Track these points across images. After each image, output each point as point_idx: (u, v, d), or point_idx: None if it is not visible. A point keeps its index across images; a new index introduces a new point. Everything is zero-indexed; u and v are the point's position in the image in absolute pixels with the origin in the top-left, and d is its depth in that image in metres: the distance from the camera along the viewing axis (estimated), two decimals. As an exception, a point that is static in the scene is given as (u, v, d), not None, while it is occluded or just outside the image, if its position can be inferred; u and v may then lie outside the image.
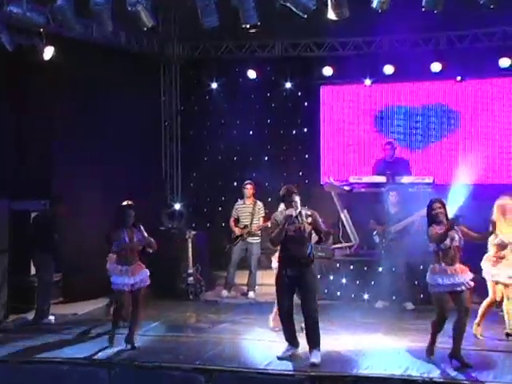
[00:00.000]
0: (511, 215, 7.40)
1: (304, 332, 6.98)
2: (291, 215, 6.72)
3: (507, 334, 7.44)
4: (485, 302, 7.54)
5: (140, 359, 6.91)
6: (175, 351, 7.19)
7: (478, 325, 7.53)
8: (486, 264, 7.46)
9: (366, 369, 6.53)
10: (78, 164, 9.99)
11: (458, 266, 6.67)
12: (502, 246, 7.38)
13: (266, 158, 12.04)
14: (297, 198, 6.80)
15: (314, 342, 6.83)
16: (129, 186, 10.20)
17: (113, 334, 7.43)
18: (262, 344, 7.44)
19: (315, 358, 6.70)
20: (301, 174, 11.94)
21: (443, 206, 6.79)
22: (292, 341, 6.99)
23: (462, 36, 10.82)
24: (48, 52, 8.96)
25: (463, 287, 6.60)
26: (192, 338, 7.78)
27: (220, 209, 12.02)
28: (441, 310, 6.70)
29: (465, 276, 6.65)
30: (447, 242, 6.63)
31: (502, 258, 7.38)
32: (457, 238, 6.72)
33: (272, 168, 11.66)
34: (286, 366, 6.67)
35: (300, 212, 6.83)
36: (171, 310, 9.06)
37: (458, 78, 11.02)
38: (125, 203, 8.22)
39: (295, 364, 6.74)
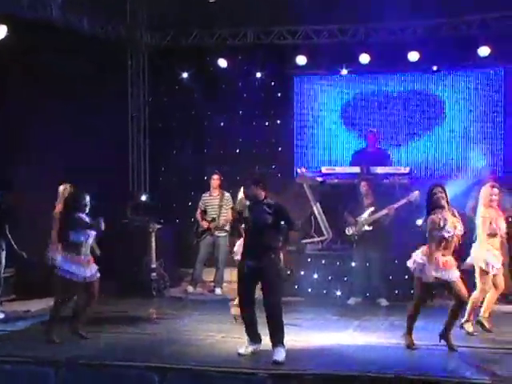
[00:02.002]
0: (495, 204, 7.10)
1: None
2: (248, 204, 6.40)
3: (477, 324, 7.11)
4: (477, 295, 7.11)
5: (91, 357, 6.39)
6: (131, 349, 6.70)
7: (468, 321, 7.11)
8: (481, 253, 7.05)
9: (334, 367, 6.05)
10: (35, 152, 9.47)
11: (449, 258, 6.36)
12: (492, 235, 7.09)
13: (238, 151, 11.59)
14: (254, 188, 6.42)
15: (276, 338, 6.38)
16: (91, 178, 9.68)
17: (51, 329, 6.91)
18: (225, 341, 6.96)
19: (278, 356, 6.24)
20: (274, 167, 11.49)
21: (444, 190, 6.44)
22: (253, 337, 6.52)
23: (440, 24, 10.44)
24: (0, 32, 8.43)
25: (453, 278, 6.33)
26: (150, 336, 7.27)
27: (190, 204, 11.47)
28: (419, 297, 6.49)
29: (452, 271, 6.35)
30: (451, 230, 6.24)
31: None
32: (459, 227, 6.37)
33: (244, 161, 11.28)
34: (247, 364, 6.19)
35: (262, 201, 6.45)
36: (132, 306, 8.56)
37: (434, 68, 10.64)
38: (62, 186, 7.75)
39: (257, 361, 6.26)
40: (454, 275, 6.37)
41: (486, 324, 7.09)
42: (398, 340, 6.74)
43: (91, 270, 6.95)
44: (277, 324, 6.45)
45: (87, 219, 6.96)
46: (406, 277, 8.68)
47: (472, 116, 10.68)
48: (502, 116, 10.53)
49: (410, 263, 6.62)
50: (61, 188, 7.99)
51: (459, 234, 6.36)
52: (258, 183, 6.50)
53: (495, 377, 5.66)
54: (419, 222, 9.12)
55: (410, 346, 6.48)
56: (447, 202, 6.40)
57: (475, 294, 7.05)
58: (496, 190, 7.13)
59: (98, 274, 7.02)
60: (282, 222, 6.49)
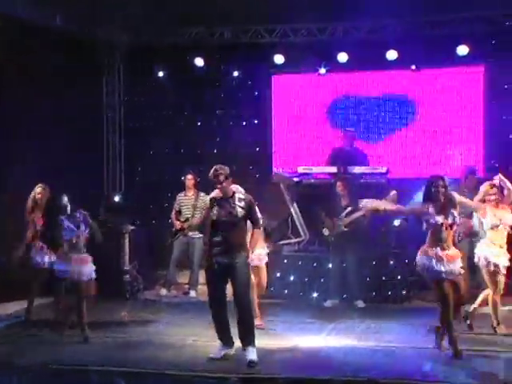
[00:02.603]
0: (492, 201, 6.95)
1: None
2: (215, 197, 6.20)
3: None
4: (488, 296, 6.95)
5: (58, 362, 6.19)
6: (100, 353, 6.51)
7: (498, 323, 6.95)
8: (489, 250, 6.87)
9: (307, 370, 5.90)
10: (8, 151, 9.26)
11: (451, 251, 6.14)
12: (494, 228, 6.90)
13: (215, 151, 11.42)
14: (223, 178, 6.20)
15: (248, 339, 6.23)
16: (65, 178, 9.47)
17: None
18: (196, 345, 6.78)
19: (253, 356, 6.11)
20: (251, 167, 11.33)
21: (445, 186, 6.24)
22: (226, 340, 6.34)
23: (419, 23, 10.32)
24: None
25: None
26: (121, 339, 7.06)
27: (166, 204, 11.27)
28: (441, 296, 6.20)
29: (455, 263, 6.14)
30: (439, 218, 6.05)
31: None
32: (454, 214, 6.15)
33: (221, 161, 11.03)
34: (218, 368, 6.01)
35: (233, 195, 6.27)
36: (104, 310, 8.31)
37: (413, 67, 10.52)
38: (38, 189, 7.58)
39: (229, 365, 6.10)
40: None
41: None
42: (374, 343, 6.63)
43: (80, 270, 6.86)
44: (250, 325, 6.32)
45: (68, 221, 6.89)
46: (384, 278, 8.65)
47: (451, 115, 10.55)
48: (481, 115, 10.43)
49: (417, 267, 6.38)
50: (36, 190, 7.80)
51: (450, 222, 6.10)
52: (228, 177, 6.31)
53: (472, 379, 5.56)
54: (397, 222, 9.07)
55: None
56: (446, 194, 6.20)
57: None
58: (495, 190, 6.94)
59: (92, 275, 6.96)
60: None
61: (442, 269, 6.10)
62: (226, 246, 6.19)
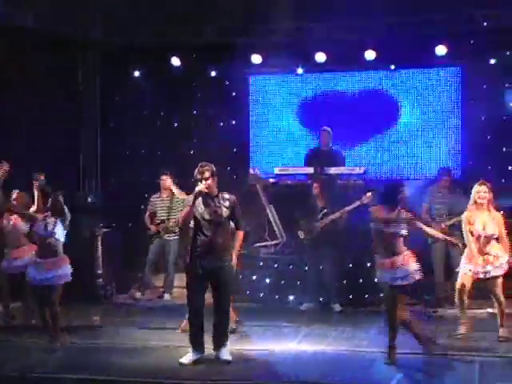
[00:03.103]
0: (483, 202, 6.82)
1: None
2: (200, 191, 6.02)
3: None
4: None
5: (21, 369, 6.02)
6: (65, 360, 6.38)
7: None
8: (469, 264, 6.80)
9: (276, 376, 5.81)
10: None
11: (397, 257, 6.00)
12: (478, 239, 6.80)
13: (192, 152, 11.26)
14: (209, 175, 6.10)
15: (223, 341, 6.19)
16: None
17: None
18: (168, 350, 6.64)
19: (227, 355, 6.10)
20: (229, 168, 11.16)
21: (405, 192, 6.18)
22: (198, 345, 6.20)
23: (397, 23, 10.22)
24: None
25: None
26: (90, 345, 6.93)
27: (142, 206, 11.11)
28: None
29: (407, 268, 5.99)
30: (380, 225, 5.96)
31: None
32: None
33: (198, 162, 10.89)
34: (188, 374, 5.89)
35: (218, 194, 6.16)
36: (76, 314, 8.14)
37: (392, 67, 10.43)
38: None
39: (199, 371, 5.97)
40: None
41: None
42: (346, 347, 6.55)
43: (54, 274, 6.72)
44: (225, 329, 6.24)
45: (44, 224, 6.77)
46: (361, 281, 8.54)
47: (429, 116, 10.47)
48: (459, 115, 10.35)
49: None
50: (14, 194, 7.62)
51: (391, 231, 5.97)
52: (214, 175, 6.20)
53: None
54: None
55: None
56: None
57: None
58: (484, 188, 6.81)
59: (67, 278, 6.82)
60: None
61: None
62: (211, 248, 6.03)
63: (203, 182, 6.05)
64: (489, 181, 7.01)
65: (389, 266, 5.98)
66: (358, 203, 8.24)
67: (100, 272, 8.88)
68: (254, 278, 8.87)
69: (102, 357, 6.43)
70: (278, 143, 11.02)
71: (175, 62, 10.95)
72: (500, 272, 6.73)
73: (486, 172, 9.90)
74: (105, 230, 9.12)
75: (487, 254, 6.72)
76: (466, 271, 6.80)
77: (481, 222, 6.75)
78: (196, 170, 6.14)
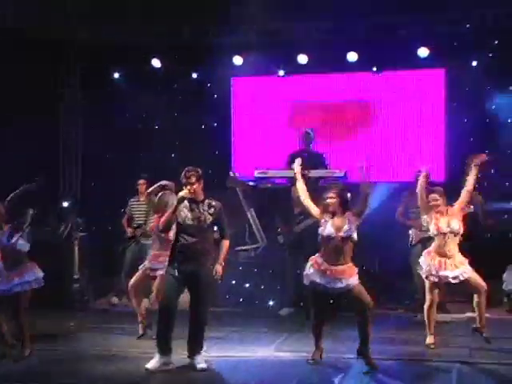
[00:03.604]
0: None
1: None
2: (183, 197, 5.92)
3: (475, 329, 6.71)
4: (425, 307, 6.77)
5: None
6: (32, 368, 6.21)
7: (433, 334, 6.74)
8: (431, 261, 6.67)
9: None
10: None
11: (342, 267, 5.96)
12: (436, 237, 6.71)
13: (173, 155, 11.14)
14: (195, 180, 6.01)
15: (198, 348, 6.09)
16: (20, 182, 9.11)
17: None
18: (141, 357, 6.40)
19: (202, 364, 5.99)
20: (210, 171, 10.96)
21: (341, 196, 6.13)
22: (166, 349, 6.06)
23: (379, 24, 10.12)
24: None
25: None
26: (59, 352, 6.76)
27: (123, 210, 10.98)
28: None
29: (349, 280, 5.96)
30: (331, 230, 5.89)
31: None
32: (346, 227, 5.90)
33: (180, 165, 10.77)
34: (159, 382, 5.77)
35: (203, 200, 6.05)
36: (51, 320, 7.98)
37: (374, 69, 10.34)
38: None
39: (170, 378, 5.87)
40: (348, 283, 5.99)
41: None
42: (325, 354, 6.38)
43: (16, 281, 6.48)
44: (201, 335, 6.13)
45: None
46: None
47: (413, 117, 10.38)
48: (442, 117, 10.27)
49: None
50: None
51: (342, 235, 5.95)
52: (200, 180, 6.10)
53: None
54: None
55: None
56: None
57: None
58: (433, 196, 6.75)
59: (37, 284, 6.64)
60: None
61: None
62: (191, 253, 5.93)
63: (189, 186, 5.94)
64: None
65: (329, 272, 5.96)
66: None
67: (76, 277, 8.72)
68: (234, 282, 8.72)
69: (71, 364, 6.28)
70: (260, 145, 10.91)
71: (156, 63, 10.83)
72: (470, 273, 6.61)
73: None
74: (82, 233, 8.92)
75: (451, 257, 6.59)
76: (432, 279, 6.66)
77: (444, 220, 6.66)
78: (182, 174, 6.05)
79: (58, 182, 11.05)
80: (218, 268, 6.10)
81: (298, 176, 6.41)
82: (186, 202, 5.99)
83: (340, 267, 5.99)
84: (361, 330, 6.00)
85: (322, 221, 6.11)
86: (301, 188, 6.36)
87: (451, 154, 10.19)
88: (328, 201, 6.09)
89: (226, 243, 6.23)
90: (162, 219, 6.20)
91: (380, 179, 9.99)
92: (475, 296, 6.64)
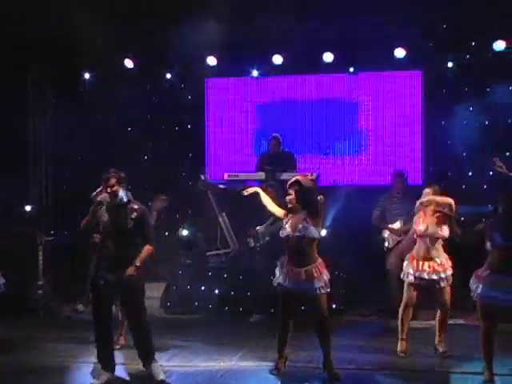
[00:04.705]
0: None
1: None
2: (101, 202, 5.73)
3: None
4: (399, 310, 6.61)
5: None
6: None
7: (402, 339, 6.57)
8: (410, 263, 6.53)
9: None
10: None
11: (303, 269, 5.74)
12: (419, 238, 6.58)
13: (146, 157, 10.90)
14: (115, 182, 5.74)
15: (150, 357, 5.85)
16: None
17: None
18: (91, 368, 6.18)
19: (160, 375, 5.75)
20: (184, 174, 10.80)
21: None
22: (107, 364, 5.84)
23: (356, 24, 9.90)
24: None
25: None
26: (9, 363, 6.48)
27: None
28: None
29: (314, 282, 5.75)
30: (288, 230, 5.72)
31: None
32: (300, 226, 5.72)
33: (153, 168, 10.62)
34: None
35: (126, 204, 5.76)
36: (11, 328, 7.57)
37: (351, 70, 10.13)
38: None
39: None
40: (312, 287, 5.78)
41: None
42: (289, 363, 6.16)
43: None
44: (149, 343, 5.86)
45: None
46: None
47: (390, 120, 10.16)
48: (419, 120, 10.06)
49: None
50: None
51: (297, 234, 5.75)
52: (122, 183, 5.82)
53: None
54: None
55: None
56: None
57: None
58: (426, 190, 6.69)
59: None
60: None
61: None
62: (114, 261, 5.67)
63: (108, 189, 5.71)
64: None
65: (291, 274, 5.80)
66: None
67: (40, 283, 8.43)
68: (203, 288, 8.49)
69: (18, 377, 6.04)
70: (234, 147, 10.68)
71: (128, 63, 10.58)
72: (446, 284, 6.43)
73: (447, 177, 9.67)
74: (47, 238, 8.65)
75: (432, 260, 6.40)
76: (410, 280, 6.48)
77: (425, 223, 6.51)
78: (103, 177, 5.80)
79: (27, 186, 10.72)
80: (129, 269, 5.69)
81: (261, 193, 6.16)
82: (105, 207, 5.77)
83: (302, 268, 5.76)
84: (320, 343, 5.83)
85: (284, 222, 5.89)
86: (265, 201, 6.17)
87: (428, 157, 10.00)
88: (286, 198, 5.88)
89: (147, 247, 5.86)
90: (82, 222, 5.94)
91: (356, 182, 9.87)
92: (439, 312, 6.53)
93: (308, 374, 5.94)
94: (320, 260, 5.87)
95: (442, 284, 6.38)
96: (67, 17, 10.18)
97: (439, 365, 6.24)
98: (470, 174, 9.70)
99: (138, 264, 5.71)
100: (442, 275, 6.37)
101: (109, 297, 5.78)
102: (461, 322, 7.10)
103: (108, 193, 5.74)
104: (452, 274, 6.46)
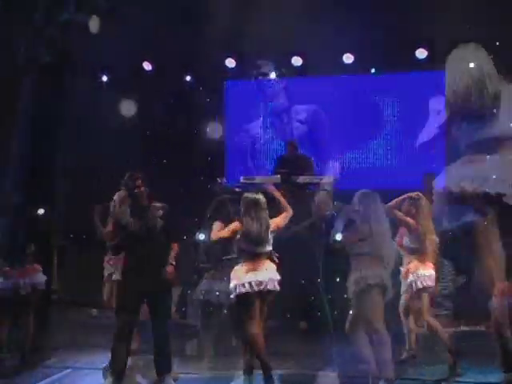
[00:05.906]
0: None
1: None
2: (122, 200, 5.76)
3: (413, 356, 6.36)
4: None
5: None
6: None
7: None
8: None
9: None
10: None
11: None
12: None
13: (165, 161, 10.78)
14: (141, 183, 5.68)
15: (168, 367, 5.76)
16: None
17: None
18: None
19: None
20: (202, 178, 10.66)
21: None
22: (120, 375, 5.67)
23: (377, 25, 9.70)
24: None
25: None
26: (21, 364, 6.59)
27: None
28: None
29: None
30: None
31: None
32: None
33: (171, 172, 10.50)
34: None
35: (149, 205, 5.69)
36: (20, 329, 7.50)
37: (372, 71, 9.94)
38: None
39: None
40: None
41: None
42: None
43: None
44: (169, 352, 5.78)
45: None
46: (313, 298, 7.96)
47: (411, 122, 9.92)
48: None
49: None
50: None
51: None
52: (145, 185, 5.75)
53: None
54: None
55: None
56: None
57: None
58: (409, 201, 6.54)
59: None
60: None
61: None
62: (144, 267, 5.54)
63: (136, 190, 5.60)
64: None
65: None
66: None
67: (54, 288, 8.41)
68: (218, 294, 8.29)
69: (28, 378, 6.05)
70: (253, 151, 10.55)
71: (147, 66, 10.53)
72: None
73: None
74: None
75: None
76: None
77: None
78: (126, 178, 5.70)
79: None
80: (168, 268, 5.63)
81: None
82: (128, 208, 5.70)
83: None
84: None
85: None
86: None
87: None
88: None
89: (175, 246, 5.79)
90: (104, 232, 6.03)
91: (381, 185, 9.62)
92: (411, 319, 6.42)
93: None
94: None
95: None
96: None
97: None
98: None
99: (173, 263, 5.63)
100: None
101: (137, 304, 5.65)
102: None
103: (136, 192, 5.60)
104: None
